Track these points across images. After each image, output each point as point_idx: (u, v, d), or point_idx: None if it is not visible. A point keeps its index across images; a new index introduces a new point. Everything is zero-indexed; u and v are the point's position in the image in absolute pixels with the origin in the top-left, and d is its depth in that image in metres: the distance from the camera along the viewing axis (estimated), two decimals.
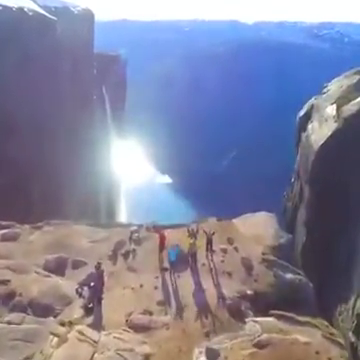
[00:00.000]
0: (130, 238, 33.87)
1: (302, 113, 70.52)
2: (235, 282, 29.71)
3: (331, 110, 58.47)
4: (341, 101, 58.56)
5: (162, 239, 31.45)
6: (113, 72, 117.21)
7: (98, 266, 27.78)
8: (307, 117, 67.07)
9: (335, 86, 67.88)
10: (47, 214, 78.75)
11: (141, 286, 29.03)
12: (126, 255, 32.13)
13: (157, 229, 32.61)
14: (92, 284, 27.84)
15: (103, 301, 27.41)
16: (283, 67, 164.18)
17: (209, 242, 31.28)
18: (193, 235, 31.19)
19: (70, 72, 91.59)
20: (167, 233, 34.61)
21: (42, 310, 26.08)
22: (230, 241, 33.35)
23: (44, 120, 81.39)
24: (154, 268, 30.79)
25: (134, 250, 32.46)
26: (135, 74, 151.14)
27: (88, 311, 26.73)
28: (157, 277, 29.90)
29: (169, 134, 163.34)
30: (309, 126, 62.43)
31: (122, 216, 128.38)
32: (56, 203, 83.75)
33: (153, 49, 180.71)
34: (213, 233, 31.33)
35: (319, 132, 57.86)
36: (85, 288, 28.18)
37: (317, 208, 57.50)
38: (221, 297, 27.88)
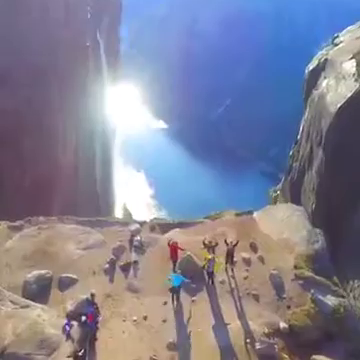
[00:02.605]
0: (130, 242, 25.58)
1: (312, 67, 60.40)
2: (264, 309, 21.98)
3: (350, 67, 48.76)
4: None
5: (174, 250, 23.32)
6: (107, 16, 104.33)
7: (92, 299, 19.97)
8: (318, 71, 57.15)
9: (349, 38, 57.44)
10: (39, 167, 72.25)
11: (145, 318, 21.25)
12: (126, 268, 24.06)
13: (168, 240, 24.10)
14: (84, 319, 20.10)
15: (97, 342, 19.78)
16: (281, 10, 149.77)
17: (230, 254, 23.14)
18: (211, 248, 22.94)
19: (63, 17, 79.97)
20: (174, 233, 26.51)
21: None
22: (253, 247, 25.24)
23: (36, 68, 72.09)
24: (161, 287, 22.84)
25: (136, 262, 24.29)
26: (130, 17, 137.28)
27: None
28: (165, 303, 22.03)
29: (165, 79, 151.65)
30: (323, 83, 52.74)
31: (118, 164, 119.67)
32: (48, 154, 75.64)
33: None
34: (236, 244, 23.16)
35: (336, 92, 48.41)
36: (74, 324, 20.36)
37: (330, 175, 49.28)
38: (249, 337, 20.24)
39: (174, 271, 23.02)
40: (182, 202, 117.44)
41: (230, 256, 23.27)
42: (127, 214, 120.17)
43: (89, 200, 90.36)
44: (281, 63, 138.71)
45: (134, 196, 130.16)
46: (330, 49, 58.62)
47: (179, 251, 23.55)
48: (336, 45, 58.24)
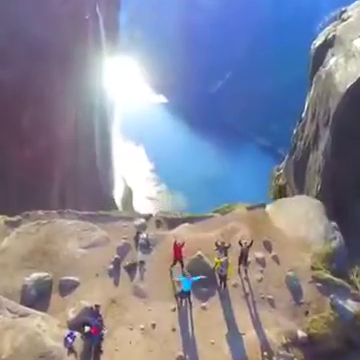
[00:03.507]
0: (135, 240, 23.37)
1: (318, 43, 57.07)
2: (280, 315, 20.05)
3: None
4: None
5: (178, 251, 21.12)
6: None
7: (96, 310, 17.91)
8: (325, 48, 53.90)
9: (357, 13, 53.90)
10: (39, 140, 70.05)
11: (154, 326, 19.23)
12: (131, 269, 21.94)
13: (174, 239, 21.80)
14: (87, 329, 18.10)
15: (102, 356, 17.84)
16: None
17: (244, 254, 21.02)
18: (223, 250, 20.75)
19: None
20: (182, 229, 24.31)
21: None
22: (267, 246, 23.14)
23: (36, 42, 70.22)
24: (169, 291, 20.82)
25: (142, 262, 22.14)
26: None
27: None
28: (174, 309, 20.02)
29: (165, 53, 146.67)
30: (331, 61, 49.66)
31: (117, 138, 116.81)
32: (49, 127, 73.51)
33: None
34: (250, 244, 21.00)
35: (345, 70, 45.51)
36: (77, 335, 18.33)
37: (337, 157, 46.84)
38: (266, 349, 18.31)
39: (182, 273, 20.94)
40: (182, 176, 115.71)
41: (244, 257, 21.19)
42: (127, 189, 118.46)
43: (89, 173, 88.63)
44: (282, 37, 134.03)
45: (134, 170, 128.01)
46: (338, 25, 55.24)
47: (184, 252, 21.39)
48: (344, 20, 54.82)
